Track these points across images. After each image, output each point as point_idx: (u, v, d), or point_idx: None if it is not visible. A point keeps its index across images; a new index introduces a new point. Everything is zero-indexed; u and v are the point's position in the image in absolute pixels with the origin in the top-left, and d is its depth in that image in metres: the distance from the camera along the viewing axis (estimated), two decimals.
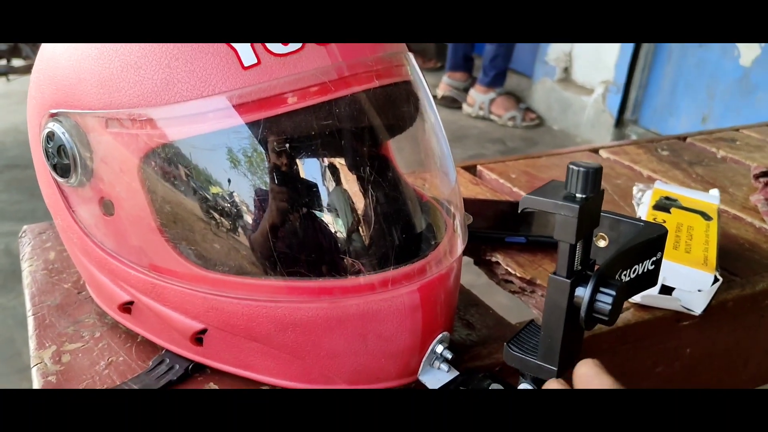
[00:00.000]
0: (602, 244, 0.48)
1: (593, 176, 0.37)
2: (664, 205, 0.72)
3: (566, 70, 3.21)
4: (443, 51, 3.67)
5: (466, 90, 3.30)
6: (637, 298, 0.61)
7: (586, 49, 3.09)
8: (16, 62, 2.65)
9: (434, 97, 0.54)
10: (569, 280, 0.39)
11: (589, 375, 0.38)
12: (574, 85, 3.18)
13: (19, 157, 2.51)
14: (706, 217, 0.70)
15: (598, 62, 3.02)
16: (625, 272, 0.43)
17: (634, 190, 0.80)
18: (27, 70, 2.64)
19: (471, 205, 0.76)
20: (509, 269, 0.67)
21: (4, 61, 2.61)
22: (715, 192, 0.78)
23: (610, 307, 0.38)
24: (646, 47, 2.82)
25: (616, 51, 2.90)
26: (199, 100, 0.42)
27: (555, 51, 3.20)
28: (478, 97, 3.17)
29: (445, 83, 3.35)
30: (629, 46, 2.83)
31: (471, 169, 0.94)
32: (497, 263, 0.69)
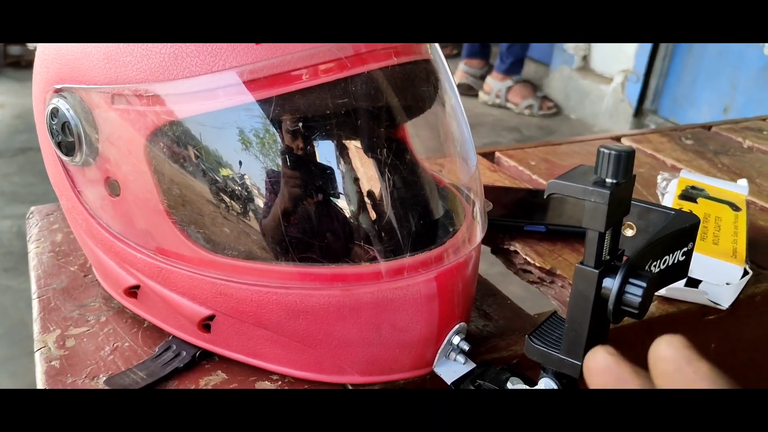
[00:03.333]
0: (629, 233, 0.45)
1: (625, 160, 0.35)
2: (691, 194, 0.69)
3: (585, 58, 3.16)
4: None
5: (482, 77, 3.26)
6: (662, 291, 0.59)
7: None
8: (31, 46, 2.64)
9: None
10: (597, 271, 0.36)
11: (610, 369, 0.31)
12: (592, 73, 3.14)
13: (33, 140, 2.49)
14: (734, 207, 0.68)
15: (618, 51, 2.96)
16: (654, 263, 0.41)
17: (659, 179, 0.77)
18: None
19: (489, 193, 0.73)
20: (528, 258, 0.65)
21: (18, 46, 2.61)
22: (743, 182, 0.75)
23: (640, 299, 0.36)
24: None
25: None
26: (208, 75, 0.40)
27: None
28: (494, 84, 3.13)
29: (462, 70, 3.31)
30: None
31: (489, 156, 0.91)
32: (515, 252, 0.67)
